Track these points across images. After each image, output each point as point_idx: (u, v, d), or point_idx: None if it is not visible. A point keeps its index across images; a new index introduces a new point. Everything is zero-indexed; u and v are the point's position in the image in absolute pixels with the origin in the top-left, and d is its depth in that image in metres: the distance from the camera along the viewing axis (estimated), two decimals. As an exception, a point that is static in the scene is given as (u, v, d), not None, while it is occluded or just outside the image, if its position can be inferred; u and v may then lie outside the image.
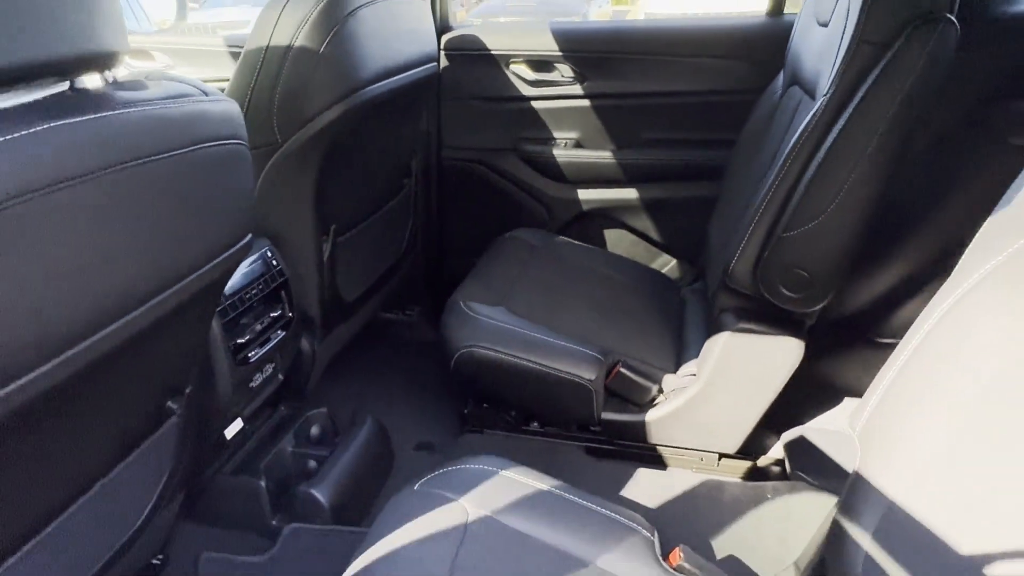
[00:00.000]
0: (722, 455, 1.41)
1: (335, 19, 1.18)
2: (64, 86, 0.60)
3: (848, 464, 0.98)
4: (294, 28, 1.16)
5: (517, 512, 0.90)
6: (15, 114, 0.54)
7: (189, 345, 0.94)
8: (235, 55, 2.05)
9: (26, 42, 0.54)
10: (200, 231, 0.76)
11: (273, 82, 1.17)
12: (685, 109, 1.78)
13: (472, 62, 1.85)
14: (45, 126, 0.53)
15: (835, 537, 0.80)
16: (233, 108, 0.76)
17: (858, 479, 0.78)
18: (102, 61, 0.62)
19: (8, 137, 0.51)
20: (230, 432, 1.24)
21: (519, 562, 0.85)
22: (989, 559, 0.60)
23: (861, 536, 0.74)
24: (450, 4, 1.90)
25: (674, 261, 1.97)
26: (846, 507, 0.79)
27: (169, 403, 0.97)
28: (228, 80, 1.23)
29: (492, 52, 1.83)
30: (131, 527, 1.00)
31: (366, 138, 1.40)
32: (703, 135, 1.78)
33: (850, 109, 1.03)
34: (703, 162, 1.78)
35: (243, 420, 1.27)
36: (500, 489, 0.93)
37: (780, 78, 1.52)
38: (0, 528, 0.71)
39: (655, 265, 1.96)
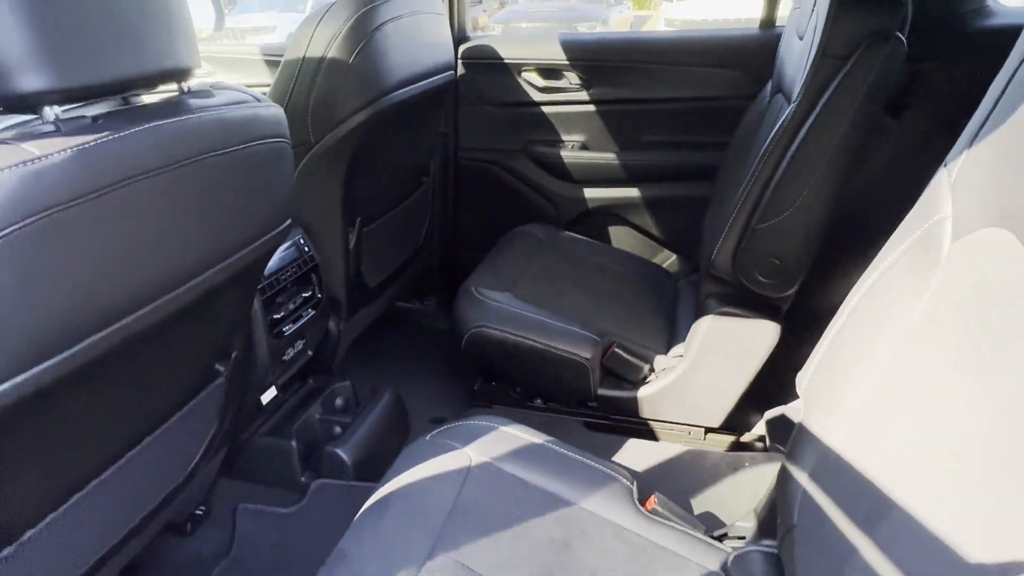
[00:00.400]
0: (708, 429, 1.54)
1: (363, 34, 1.33)
2: (156, 96, 0.76)
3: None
4: (327, 42, 1.32)
5: (513, 460, 1.05)
6: (117, 116, 0.70)
7: (236, 314, 1.10)
8: (269, 63, 2.23)
9: (127, 60, 0.70)
10: (249, 215, 0.92)
11: (308, 89, 1.33)
12: (682, 114, 1.92)
13: (487, 70, 2.00)
14: (144, 126, 0.69)
15: (781, 481, 0.94)
16: (280, 112, 0.91)
17: (801, 430, 0.91)
18: (180, 75, 0.78)
19: (118, 135, 0.66)
20: (266, 398, 1.40)
21: (513, 501, 0.99)
22: (901, 492, 0.73)
23: (800, 477, 0.88)
24: (472, 10, 2.06)
25: (674, 256, 2.10)
26: (790, 455, 0.92)
27: (217, 365, 1.13)
28: (263, 85, 1.39)
29: (505, 61, 1.98)
30: (181, 475, 1.16)
31: (389, 139, 1.56)
32: (699, 138, 1.91)
33: (814, 114, 1.17)
34: (699, 163, 1.91)
35: (277, 388, 1.43)
36: (500, 441, 1.08)
37: (769, 86, 1.65)
38: (73, 467, 0.87)
39: (656, 260, 2.09)
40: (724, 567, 0.98)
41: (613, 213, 2.07)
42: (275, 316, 1.35)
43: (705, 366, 1.45)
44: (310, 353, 1.54)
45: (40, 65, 0.61)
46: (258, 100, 0.88)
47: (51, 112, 0.64)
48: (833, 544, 0.75)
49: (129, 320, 0.74)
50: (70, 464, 0.86)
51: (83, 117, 0.67)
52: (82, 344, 0.68)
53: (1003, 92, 0.72)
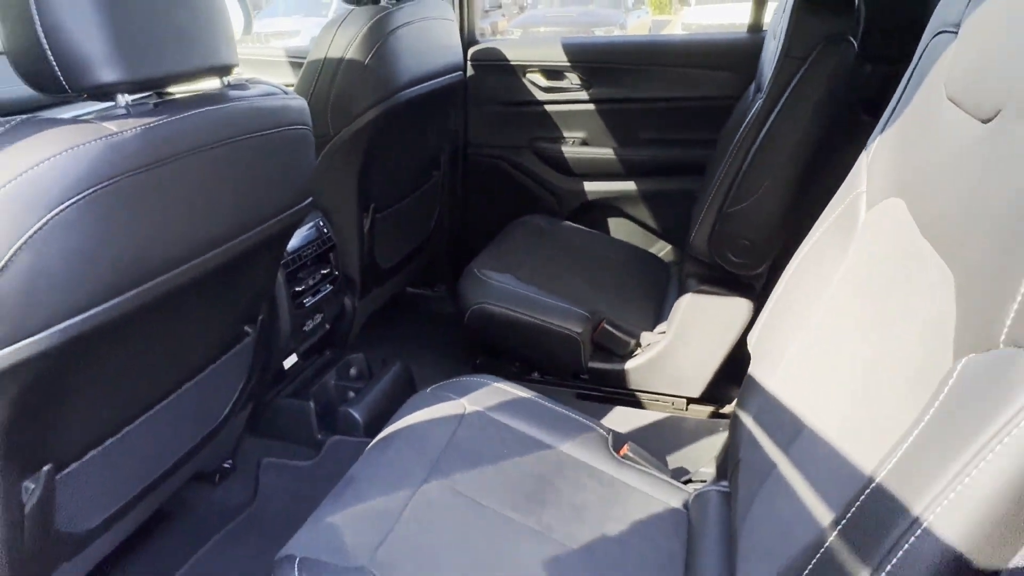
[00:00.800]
0: (690, 400, 1.67)
1: (378, 37, 1.49)
2: (206, 87, 0.92)
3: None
4: (346, 44, 1.48)
5: (502, 410, 1.19)
6: (173, 103, 0.86)
7: (262, 281, 1.26)
8: (293, 64, 2.40)
9: (181, 58, 0.86)
10: (277, 190, 1.07)
11: (328, 86, 1.49)
12: (676, 112, 2.06)
13: (494, 71, 2.15)
14: (194, 111, 0.85)
15: (732, 427, 1.07)
16: (304, 103, 1.07)
17: (749, 380, 1.05)
18: (222, 70, 0.94)
19: (174, 118, 0.82)
20: (287, 363, 1.56)
21: (500, 442, 1.14)
22: (812, 417, 0.86)
23: (746, 420, 1.01)
24: (492, 14, 2.23)
25: (669, 247, 2.24)
26: (739, 402, 1.06)
27: (246, 327, 1.29)
28: (288, 85, 1.55)
29: (511, 63, 2.13)
30: (213, 423, 1.32)
31: (401, 134, 1.72)
32: (690, 135, 2.05)
33: (777, 109, 1.31)
34: (690, 158, 2.05)
35: (297, 356, 1.59)
36: (492, 394, 1.22)
37: (753, 85, 1.79)
38: (126, 401, 1.03)
39: (652, 249, 2.23)
40: (685, 504, 1.11)
41: (611, 205, 2.21)
42: (297, 289, 1.51)
43: (686, 340, 1.58)
44: (327, 326, 1.69)
45: (116, 62, 0.77)
46: (286, 93, 1.04)
47: (123, 99, 0.80)
48: (761, 467, 0.89)
49: (179, 271, 0.90)
50: (124, 398, 1.02)
51: (146, 103, 0.83)
52: (143, 286, 0.84)
53: (907, 84, 0.86)
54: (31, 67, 0.75)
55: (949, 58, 0.72)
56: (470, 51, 2.14)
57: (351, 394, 1.66)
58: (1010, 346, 0.46)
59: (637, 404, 1.71)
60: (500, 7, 10.99)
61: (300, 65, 2.34)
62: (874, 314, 0.76)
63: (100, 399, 0.96)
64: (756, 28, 1.98)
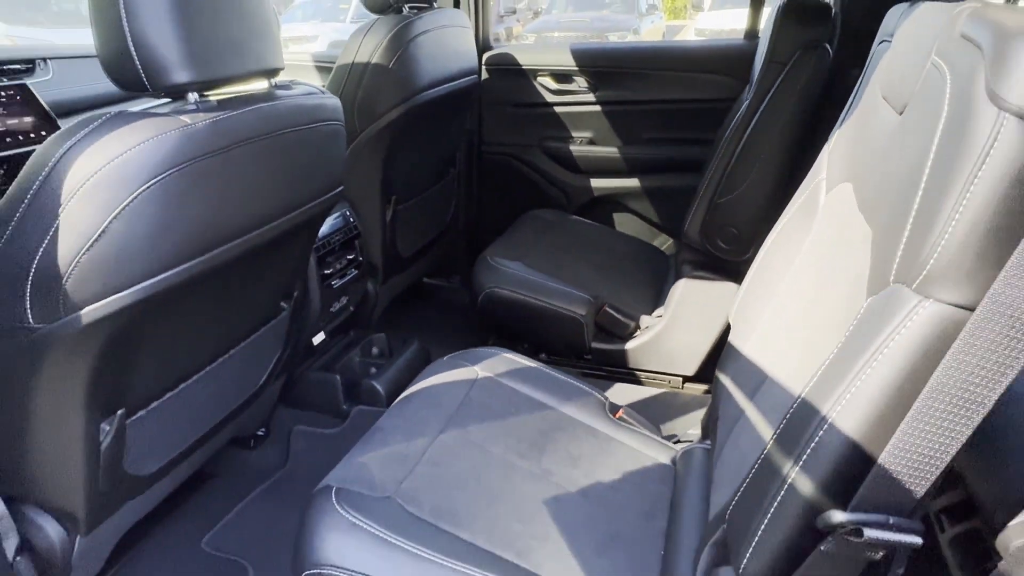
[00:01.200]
0: (685, 379, 1.81)
1: (401, 44, 1.65)
2: (254, 87, 1.08)
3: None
4: (372, 50, 1.63)
5: (510, 375, 1.34)
6: (232, 100, 1.01)
7: (298, 260, 1.41)
8: (318, 68, 2.57)
9: (239, 62, 1.01)
10: (314, 177, 1.22)
11: (356, 87, 1.65)
12: (678, 114, 2.19)
13: (507, 75, 2.30)
14: (249, 108, 1.00)
15: (714, 388, 1.21)
16: (338, 102, 1.22)
17: (728, 346, 1.19)
18: (271, 73, 1.09)
19: (233, 113, 0.97)
20: (316, 340, 1.71)
21: (508, 402, 1.28)
22: (772, 370, 0.99)
23: (725, 381, 1.15)
24: (507, 20, 2.38)
25: (670, 240, 2.37)
26: (720, 366, 1.20)
27: (282, 302, 1.45)
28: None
29: (523, 67, 2.28)
30: (253, 388, 1.48)
31: (421, 132, 1.87)
32: (691, 135, 2.19)
33: (761, 109, 1.44)
34: (691, 157, 2.18)
35: (325, 334, 1.75)
36: (501, 363, 1.37)
37: (747, 88, 1.92)
38: (184, 359, 1.18)
39: (654, 243, 2.37)
40: (673, 461, 1.25)
41: (617, 201, 2.35)
42: (325, 271, 1.66)
43: (681, 322, 1.72)
44: (352, 309, 1.85)
45: (188, 66, 0.92)
46: (323, 92, 1.19)
47: (192, 96, 0.95)
48: (732, 416, 1.02)
49: (234, 244, 1.05)
50: (182, 357, 1.18)
51: (210, 100, 0.98)
52: (206, 255, 0.99)
53: (859, 86, 1.00)
54: (120, 70, 0.90)
55: (884, 63, 0.86)
56: (484, 56, 2.30)
57: (373, 369, 1.81)
58: (897, 283, 0.60)
59: (636, 382, 1.84)
60: (515, 13, 11.16)
61: (323, 69, 2.52)
62: (822, 277, 0.90)
63: (164, 355, 1.12)
64: (753, 34, 2.11)
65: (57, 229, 0.83)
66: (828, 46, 1.35)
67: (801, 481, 0.63)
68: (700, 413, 1.63)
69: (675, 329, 1.73)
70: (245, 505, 1.57)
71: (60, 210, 0.83)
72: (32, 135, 1.40)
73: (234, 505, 1.55)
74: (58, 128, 1.44)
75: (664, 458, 1.25)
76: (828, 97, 1.46)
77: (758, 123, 1.43)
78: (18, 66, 1.51)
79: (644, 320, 1.80)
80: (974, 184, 0.51)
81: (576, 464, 1.16)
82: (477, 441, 1.16)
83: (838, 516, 0.58)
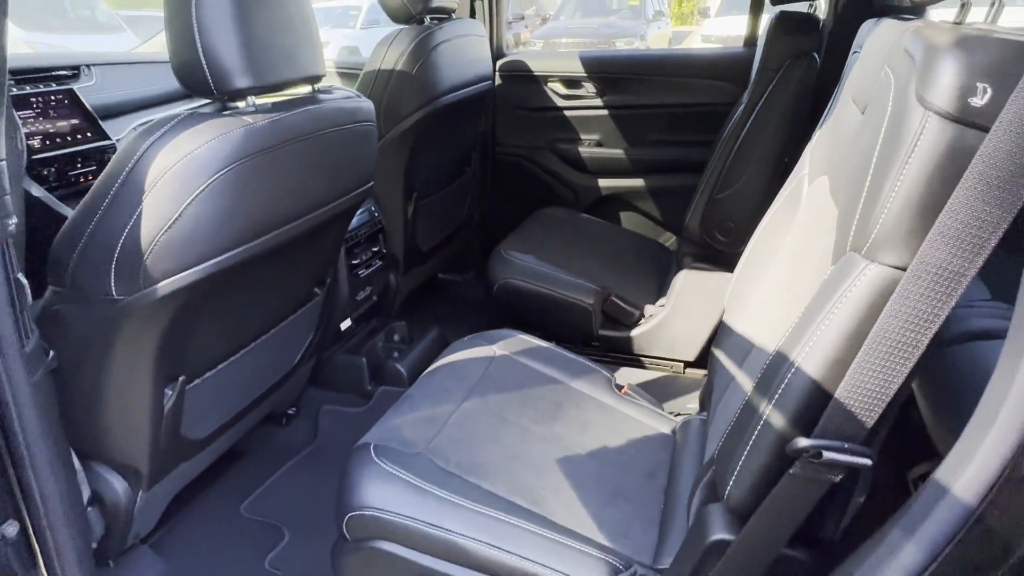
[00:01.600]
0: (687, 364, 1.93)
1: (423, 52, 1.79)
2: (298, 92, 1.22)
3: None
4: (396, 58, 1.77)
5: (525, 354, 1.47)
6: (284, 103, 1.15)
7: (330, 251, 1.55)
8: (341, 75, 2.72)
9: (289, 69, 1.15)
10: (350, 172, 1.36)
11: (381, 92, 1.78)
12: (681, 117, 2.32)
13: (519, 81, 2.44)
14: (298, 110, 1.14)
15: (710, 364, 1.34)
16: (371, 105, 1.36)
17: (722, 325, 1.32)
18: (315, 79, 1.23)
19: (286, 114, 1.11)
20: (343, 325, 1.85)
21: (523, 376, 1.41)
22: (758, 339, 1.12)
23: (720, 356, 1.28)
24: (515, 26, 2.53)
25: (674, 237, 2.50)
26: (715, 343, 1.33)
27: (316, 288, 1.58)
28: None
29: (535, 73, 2.42)
30: (287, 367, 1.61)
31: (440, 133, 2.01)
32: (694, 137, 2.31)
33: (755, 112, 1.57)
34: (693, 158, 2.31)
35: (351, 320, 1.88)
36: (516, 343, 1.50)
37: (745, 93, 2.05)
38: (232, 334, 1.31)
39: (659, 239, 2.49)
40: (673, 431, 1.38)
41: (623, 199, 2.48)
42: (353, 262, 1.80)
43: (681, 311, 1.84)
44: (375, 298, 1.98)
45: (247, 73, 1.06)
46: (359, 96, 1.33)
47: (251, 100, 1.09)
48: (724, 383, 1.15)
49: (282, 230, 1.19)
50: (232, 333, 1.31)
51: (266, 104, 1.12)
52: (260, 239, 1.13)
53: (837, 91, 1.13)
54: (191, 76, 1.04)
55: (854, 70, 0.99)
56: (498, 63, 2.43)
57: (396, 353, 1.94)
58: (851, 251, 0.73)
59: (640, 367, 1.97)
60: (523, 19, 11.31)
61: (345, 75, 2.66)
62: (801, 257, 1.03)
63: (217, 330, 1.25)
64: (752, 42, 2.24)
65: (140, 214, 0.97)
66: (816, 55, 1.48)
67: (774, 416, 0.75)
68: (698, 393, 1.75)
69: (676, 317, 1.85)
70: (279, 476, 1.70)
71: (143, 197, 0.96)
72: (78, 136, 1.54)
73: (268, 476, 1.69)
74: (101, 130, 1.58)
75: (665, 428, 1.38)
76: (816, 101, 1.58)
77: (752, 125, 1.56)
78: (65, 72, 1.65)
79: (648, 309, 1.93)
80: (906, 168, 0.64)
81: (585, 430, 1.29)
82: (495, 409, 1.29)
83: (803, 442, 0.71)
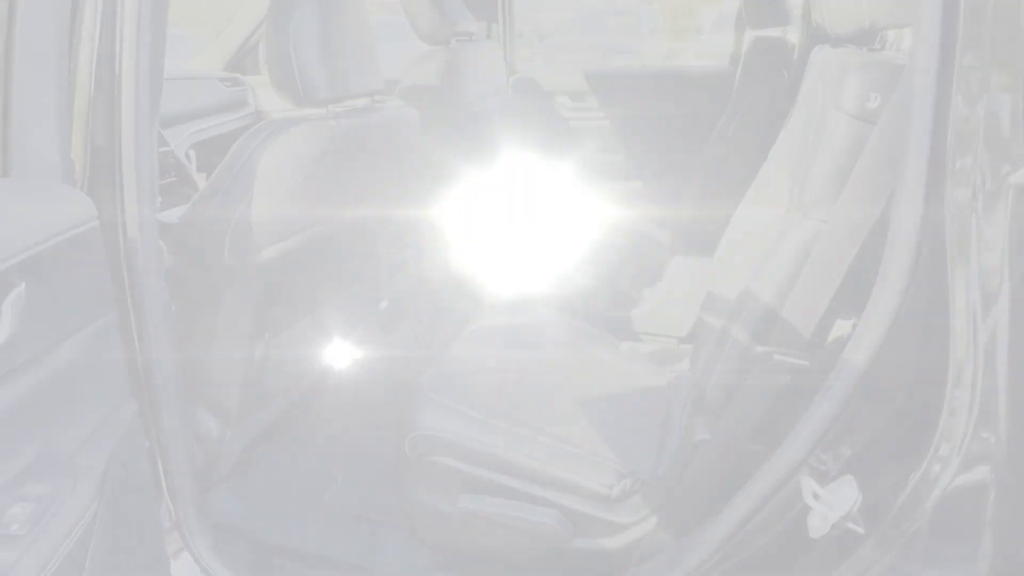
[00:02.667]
0: (680, 340, 2.21)
1: (454, 69, 2.08)
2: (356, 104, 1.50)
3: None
4: (432, 73, 2.06)
5: (539, 323, 1.75)
6: (355, 111, 1.43)
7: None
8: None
9: (359, 83, 1.43)
10: (396, 170, 1.64)
11: (423, 104, 2.07)
12: (677, 125, 2.62)
13: (530, 95, 2.74)
14: (367, 117, 1.42)
15: (698, 323, 1.61)
16: (417, 114, 1.64)
17: (708, 292, 1.60)
18: (376, 91, 1.51)
19: (359, 120, 1.39)
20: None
21: (537, 339, 1.68)
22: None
23: (703, 313, 1.55)
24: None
25: (668, 232, 2.78)
26: (703, 305, 1.60)
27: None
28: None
29: (543, 88, 2.72)
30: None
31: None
32: (685, 143, 2.59)
33: (738, 120, 1.86)
34: (685, 161, 2.59)
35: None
36: (533, 315, 1.78)
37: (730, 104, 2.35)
38: (300, 306, 1.59)
39: (654, 235, 2.77)
40: (668, 384, 1.65)
41: (624, 199, 2.77)
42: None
43: (675, 293, 2.12)
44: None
45: (331, 85, 1.34)
46: (407, 107, 1.62)
47: (332, 107, 1.37)
48: (710, 336, 1.43)
49: (351, 215, 1.47)
50: (300, 302, 1.59)
51: (342, 111, 1.41)
52: (332, 222, 1.41)
53: (797, 96, 1.41)
54: (286, 85, 1.31)
55: (805, 83, 1.28)
56: (511, 80, 2.73)
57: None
58: (790, 211, 1.01)
59: (638, 342, 2.24)
60: (522, 36, 11.62)
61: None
62: (767, 226, 1.31)
63: (291, 299, 1.53)
64: (736, 60, 2.54)
65: (252, 196, 1.25)
66: (786, 72, 1.77)
67: (741, 334, 1.03)
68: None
69: (671, 299, 2.13)
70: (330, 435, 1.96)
71: (254, 182, 1.24)
72: None
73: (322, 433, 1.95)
74: (162, 137, 1.85)
75: (661, 382, 1.65)
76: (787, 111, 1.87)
77: (735, 132, 1.85)
78: None
79: (645, 293, 2.21)
80: (826, 152, 0.93)
81: (584, 380, 1.56)
82: (523, 365, 1.56)
83: (760, 349, 0.99)
